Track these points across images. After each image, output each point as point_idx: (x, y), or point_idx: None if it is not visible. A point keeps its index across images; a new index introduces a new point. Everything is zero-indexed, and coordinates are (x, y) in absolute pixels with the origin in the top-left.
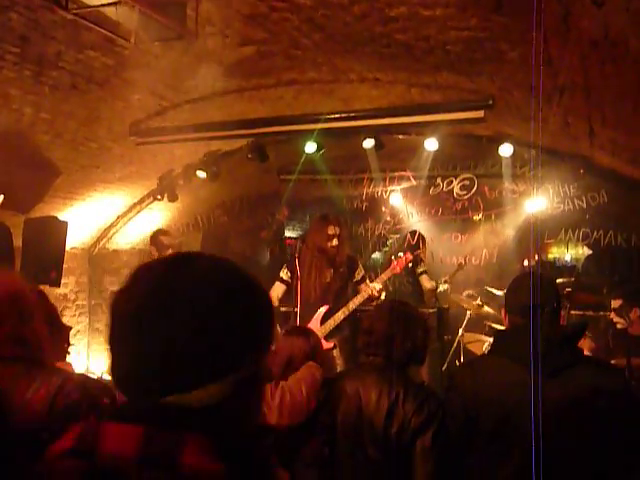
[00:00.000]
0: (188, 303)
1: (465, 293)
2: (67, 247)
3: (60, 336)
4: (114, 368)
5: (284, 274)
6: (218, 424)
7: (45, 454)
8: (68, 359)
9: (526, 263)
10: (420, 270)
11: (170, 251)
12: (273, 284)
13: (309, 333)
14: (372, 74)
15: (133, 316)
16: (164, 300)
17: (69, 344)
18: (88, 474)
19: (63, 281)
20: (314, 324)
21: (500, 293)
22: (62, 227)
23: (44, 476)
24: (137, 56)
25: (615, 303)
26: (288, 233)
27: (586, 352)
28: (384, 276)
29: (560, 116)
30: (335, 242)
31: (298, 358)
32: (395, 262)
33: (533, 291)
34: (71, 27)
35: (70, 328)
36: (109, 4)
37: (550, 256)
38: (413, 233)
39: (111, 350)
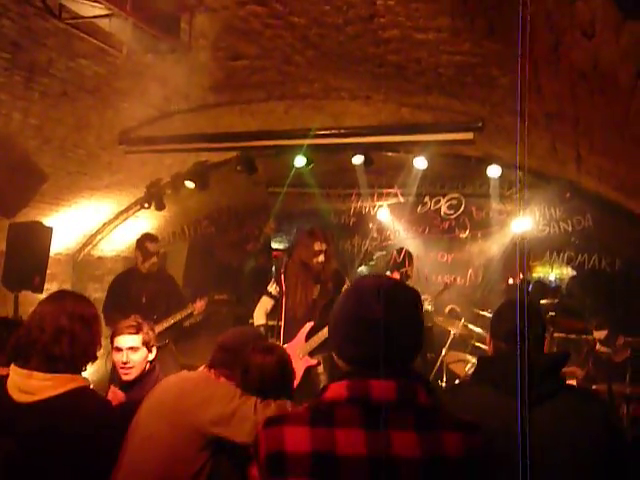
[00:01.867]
0: (415, 316)
1: (448, 307)
2: (51, 253)
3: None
4: (363, 350)
5: (272, 289)
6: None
7: (317, 402)
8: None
9: (511, 282)
10: None
11: (155, 259)
12: (259, 296)
13: (275, 350)
14: (363, 92)
15: (386, 322)
16: (405, 313)
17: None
18: (366, 413)
19: (46, 287)
20: (298, 340)
21: (487, 315)
22: (47, 232)
23: (330, 416)
24: (129, 66)
25: (600, 334)
26: (275, 245)
27: (574, 379)
28: None
29: (548, 141)
30: (321, 258)
31: (269, 377)
32: None
33: (521, 317)
34: (63, 35)
35: None
36: (102, 16)
37: (535, 276)
38: (400, 250)
39: (357, 340)
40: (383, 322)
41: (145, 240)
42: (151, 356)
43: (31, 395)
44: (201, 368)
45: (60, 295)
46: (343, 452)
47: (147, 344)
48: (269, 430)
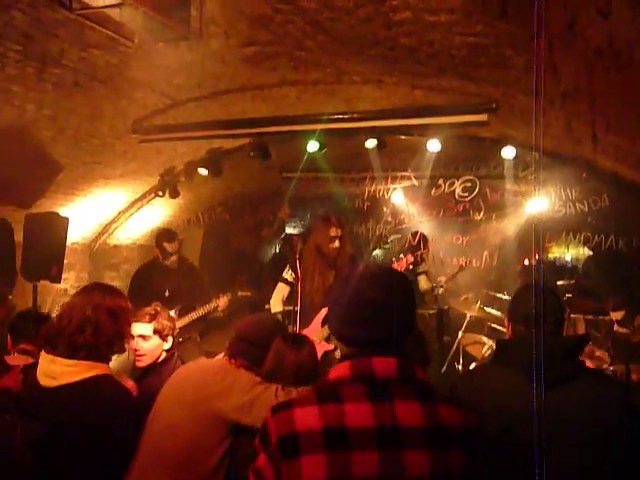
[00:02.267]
0: (406, 300)
1: (463, 297)
2: (68, 243)
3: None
4: (365, 332)
5: (288, 275)
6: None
7: (323, 383)
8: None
9: (527, 263)
10: (420, 270)
11: (174, 257)
12: (275, 282)
13: (305, 343)
14: (375, 76)
15: (383, 305)
16: (400, 297)
17: None
18: (371, 388)
19: (63, 276)
20: (315, 326)
21: (503, 297)
22: (63, 223)
23: (337, 393)
24: (140, 55)
25: (617, 315)
26: (289, 231)
27: (596, 360)
28: None
29: (563, 121)
30: (337, 244)
31: (303, 370)
32: (396, 264)
33: (537, 301)
34: (75, 26)
35: None
36: (113, 5)
37: (551, 256)
38: (414, 234)
39: (355, 322)
40: (379, 305)
41: (163, 240)
42: (166, 345)
43: (54, 380)
44: (220, 356)
45: (90, 287)
46: (353, 423)
47: (160, 333)
48: (278, 415)
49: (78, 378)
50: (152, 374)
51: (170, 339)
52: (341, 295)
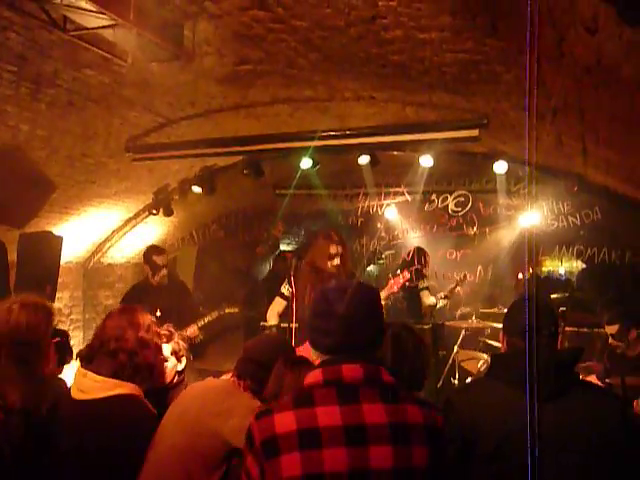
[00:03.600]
0: (375, 311)
1: (459, 312)
2: (62, 262)
3: None
4: (334, 340)
5: (285, 290)
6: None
7: (299, 390)
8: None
9: (520, 277)
10: (422, 286)
11: (164, 271)
12: (271, 299)
13: (306, 364)
14: (367, 93)
15: (350, 317)
16: (366, 309)
17: None
18: (340, 391)
19: (57, 295)
20: (308, 344)
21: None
22: (57, 242)
23: (310, 398)
24: (134, 74)
25: (612, 329)
26: (283, 248)
27: (593, 375)
28: (382, 294)
29: (554, 135)
30: (337, 261)
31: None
32: (392, 281)
33: (531, 314)
34: (68, 47)
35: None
36: (106, 26)
37: (544, 270)
38: (419, 250)
39: (327, 332)
40: (347, 317)
41: (152, 254)
42: (180, 366)
43: (83, 393)
44: (227, 376)
45: (129, 309)
46: (323, 424)
47: (177, 353)
48: (261, 420)
49: (104, 394)
50: (164, 397)
51: (184, 360)
52: (315, 307)
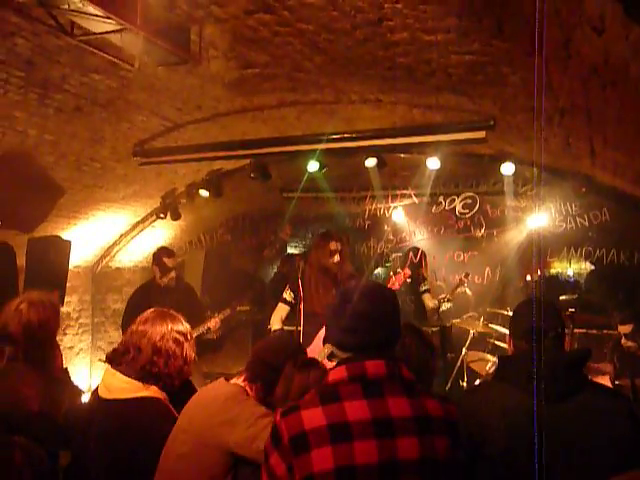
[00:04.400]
0: (395, 310)
1: (466, 315)
2: (70, 266)
3: None
4: (358, 339)
5: (287, 295)
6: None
7: (323, 387)
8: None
9: (529, 278)
10: (423, 289)
11: (173, 273)
12: (278, 301)
13: (314, 365)
14: (374, 95)
15: (374, 316)
16: (387, 308)
17: None
18: (365, 386)
19: (66, 299)
20: (317, 343)
21: (504, 312)
22: (65, 246)
23: (336, 394)
24: (141, 79)
25: (626, 328)
26: (291, 251)
27: (606, 376)
28: None
29: (561, 137)
30: (337, 258)
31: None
32: (394, 278)
33: (537, 316)
34: (76, 52)
35: None
36: (113, 31)
37: (553, 272)
38: (415, 250)
39: (352, 331)
40: (369, 315)
41: (162, 255)
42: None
43: (109, 392)
44: (237, 380)
45: (160, 315)
46: (353, 418)
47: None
48: (288, 418)
49: (128, 395)
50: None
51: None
52: (337, 307)
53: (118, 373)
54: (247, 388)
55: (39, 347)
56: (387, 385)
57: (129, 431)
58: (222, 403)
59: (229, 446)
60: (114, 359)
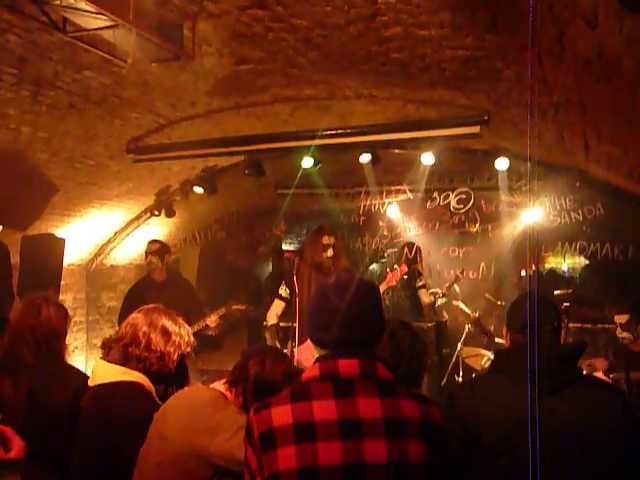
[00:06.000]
0: (374, 306)
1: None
2: (64, 263)
3: None
4: (333, 336)
5: (283, 291)
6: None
7: (296, 384)
8: None
9: (523, 273)
10: (419, 284)
11: (152, 258)
12: (274, 298)
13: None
14: (368, 91)
15: (348, 312)
16: (364, 304)
17: None
18: (336, 386)
19: (61, 297)
20: (309, 342)
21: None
22: (59, 244)
23: (307, 392)
24: (134, 75)
25: (621, 318)
26: (285, 247)
27: (600, 370)
28: (380, 288)
29: (555, 131)
30: (330, 252)
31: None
32: (390, 275)
33: (532, 309)
34: (69, 48)
35: None
36: (106, 27)
37: (547, 266)
38: (410, 245)
39: (325, 327)
40: (343, 311)
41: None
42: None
43: (94, 379)
44: (217, 384)
45: (151, 309)
46: (319, 418)
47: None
48: (259, 414)
49: (109, 380)
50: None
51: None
52: (314, 303)
53: (103, 361)
54: (227, 392)
55: (56, 340)
56: (360, 385)
57: (105, 412)
58: (200, 410)
59: (208, 456)
60: (104, 347)
